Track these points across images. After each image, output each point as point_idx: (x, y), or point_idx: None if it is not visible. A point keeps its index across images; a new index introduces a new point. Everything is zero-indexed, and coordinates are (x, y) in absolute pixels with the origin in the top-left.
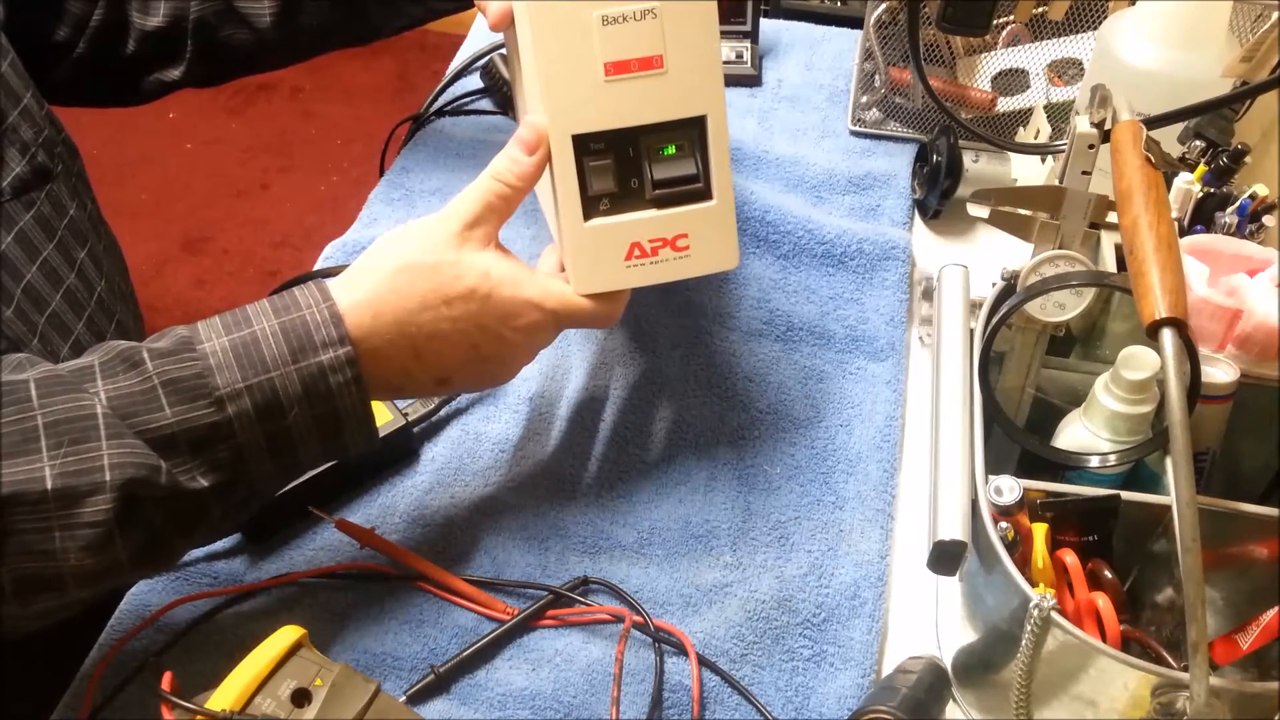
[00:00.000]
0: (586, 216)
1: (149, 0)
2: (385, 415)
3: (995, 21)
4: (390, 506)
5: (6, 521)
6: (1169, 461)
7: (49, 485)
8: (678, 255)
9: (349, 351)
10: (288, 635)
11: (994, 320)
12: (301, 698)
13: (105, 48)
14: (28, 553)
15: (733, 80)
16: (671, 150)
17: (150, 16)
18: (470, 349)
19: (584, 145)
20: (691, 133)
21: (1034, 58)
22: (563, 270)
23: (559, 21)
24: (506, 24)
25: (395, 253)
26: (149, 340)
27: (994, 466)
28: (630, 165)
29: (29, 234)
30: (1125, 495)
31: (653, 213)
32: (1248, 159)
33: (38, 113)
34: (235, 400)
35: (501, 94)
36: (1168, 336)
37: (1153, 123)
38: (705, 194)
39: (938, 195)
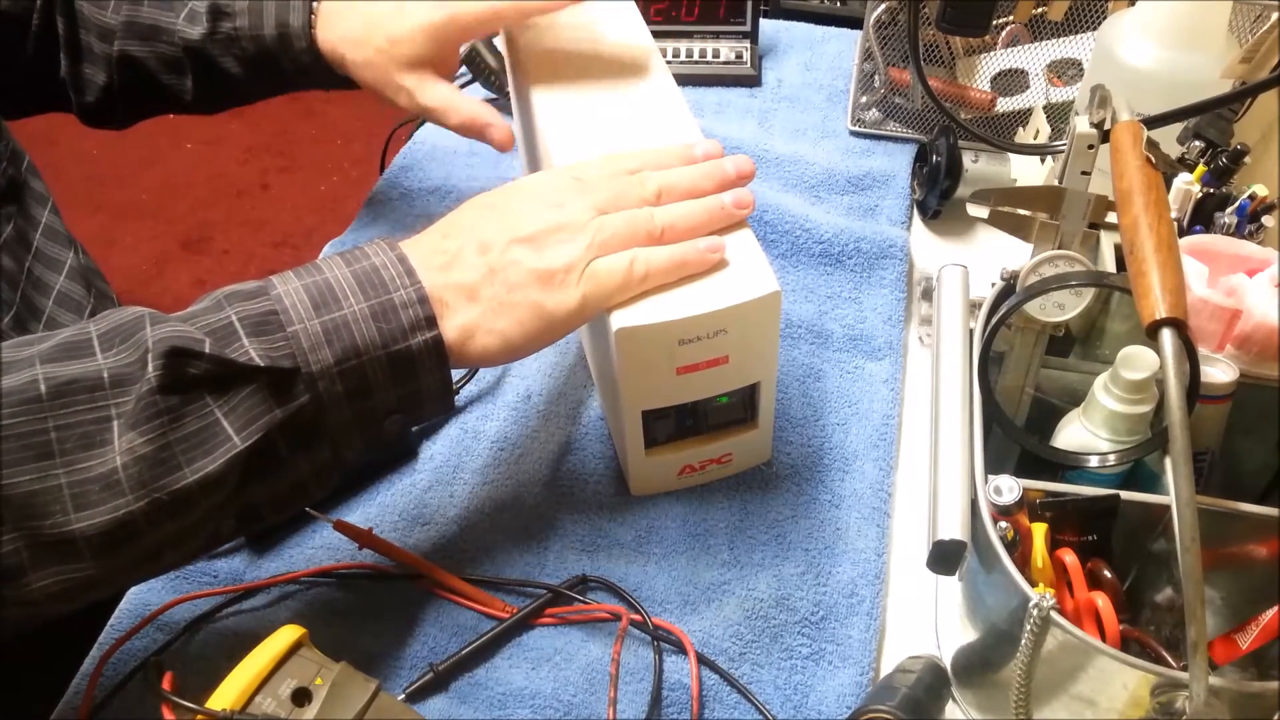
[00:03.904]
0: (648, 448)
1: (78, 52)
2: None
3: (995, 22)
4: (389, 505)
5: (66, 410)
6: (1168, 461)
7: (105, 375)
8: (721, 466)
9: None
10: (288, 634)
11: (993, 320)
12: (302, 697)
13: (41, 74)
14: (85, 448)
15: (732, 80)
16: (725, 400)
17: (81, 63)
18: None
19: (651, 412)
20: (745, 391)
21: (1033, 58)
22: None
23: (644, 345)
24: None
25: None
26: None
27: (993, 466)
28: (688, 412)
29: None
30: (1124, 495)
31: (703, 444)
32: (1247, 159)
33: None
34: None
35: (488, 79)
36: (1167, 336)
37: (1152, 123)
38: (750, 423)
39: (937, 195)
